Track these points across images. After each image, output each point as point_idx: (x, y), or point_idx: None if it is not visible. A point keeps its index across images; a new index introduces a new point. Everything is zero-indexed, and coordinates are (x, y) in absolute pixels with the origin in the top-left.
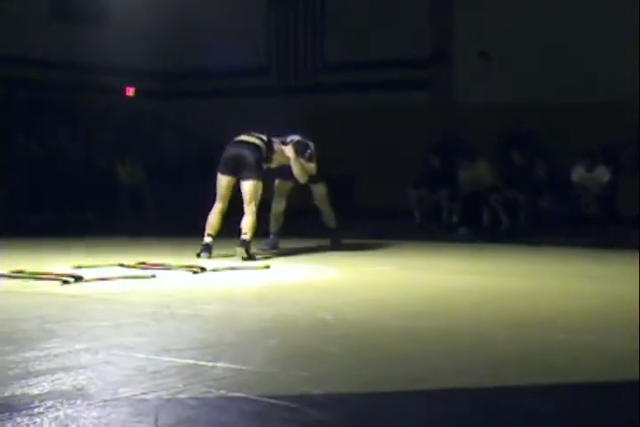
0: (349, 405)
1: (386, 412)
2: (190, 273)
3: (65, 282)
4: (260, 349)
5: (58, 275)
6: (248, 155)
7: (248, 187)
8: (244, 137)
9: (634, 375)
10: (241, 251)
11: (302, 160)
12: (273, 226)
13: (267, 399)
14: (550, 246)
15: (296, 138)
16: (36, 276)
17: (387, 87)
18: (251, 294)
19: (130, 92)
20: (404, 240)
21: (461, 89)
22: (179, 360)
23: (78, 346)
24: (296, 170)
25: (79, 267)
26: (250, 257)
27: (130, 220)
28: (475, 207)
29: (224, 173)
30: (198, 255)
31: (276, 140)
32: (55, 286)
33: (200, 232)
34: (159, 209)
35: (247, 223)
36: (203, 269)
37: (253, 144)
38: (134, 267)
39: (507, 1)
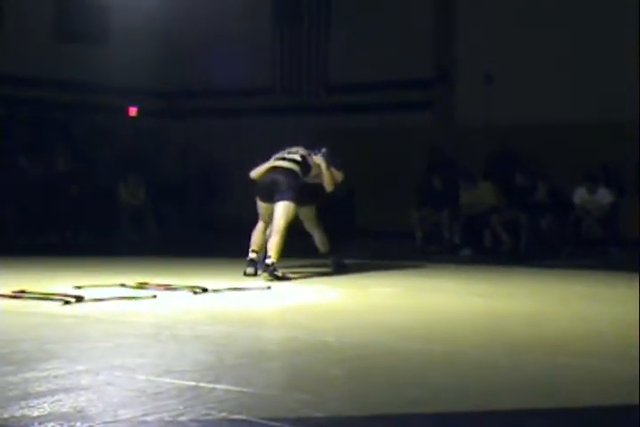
0: None
1: None
2: (192, 294)
3: (66, 302)
4: (262, 371)
5: (59, 295)
6: (282, 180)
7: (279, 207)
8: (278, 162)
9: (635, 400)
10: (265, 276)
11: (333, 169)
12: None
13: (268, 422)
14: (552, 268)
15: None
16: (36, 296)
17: (389, 108)
18: (252, 315)
19: (132, 111)
20: (406, 261)
21: (463, 110)
22: (180, 382)
23: (79, 367)
24: (326, 178)
25: (80, 287)
26: (279, 279)
27: (131, 239)
28: (476, 228)
29: (261, 199)
30: (245, 272)
31: (308, 153)
32: (56, 307)
33: (202, 252)
34: (161, 228)
35: (272, 244)
36: (204, 290)
37: (289, 169)
38: (135, 287)
39: (509, 23)
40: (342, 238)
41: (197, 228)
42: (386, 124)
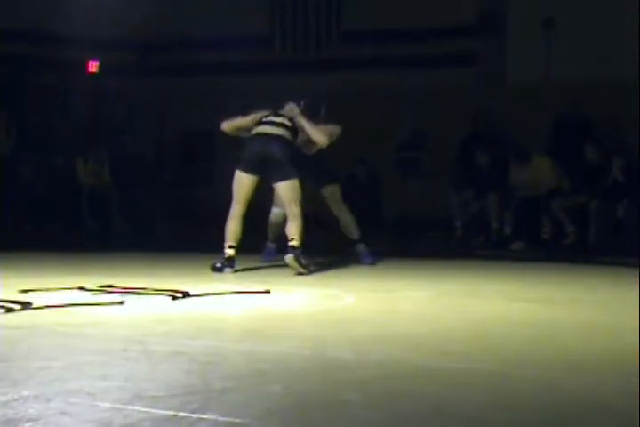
0: None
1: None
2: (169, 299)
3: (9, 310)
4: (258, 397)
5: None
6: (277, 151)
7: (284, 188)
8: (267, 128)
9: None
10: (291, 259)
11: (322, 126)
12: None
13: None
14: (630, 267)
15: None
16: None
17: (421, 63)
18: (246, 326)
19: (93, 67)
20: (442, 257)
21: (516, 64)
22: (154, 411)
23: (25, 392)
24: (313, 135)
25: (27, 291)
26: (302, 266)
27: (92, 230)
28: (532, 216)
29: (248, 171)
30: (219, 270)
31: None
32: None
33: (180, 246)
34: (129, 217)
35: (292, 228)
36: (185, 295)
37: (281, 137)
38: (98, 291)
39: None
40: (365, 228)
41: (174, 216)
42: (416, 83)
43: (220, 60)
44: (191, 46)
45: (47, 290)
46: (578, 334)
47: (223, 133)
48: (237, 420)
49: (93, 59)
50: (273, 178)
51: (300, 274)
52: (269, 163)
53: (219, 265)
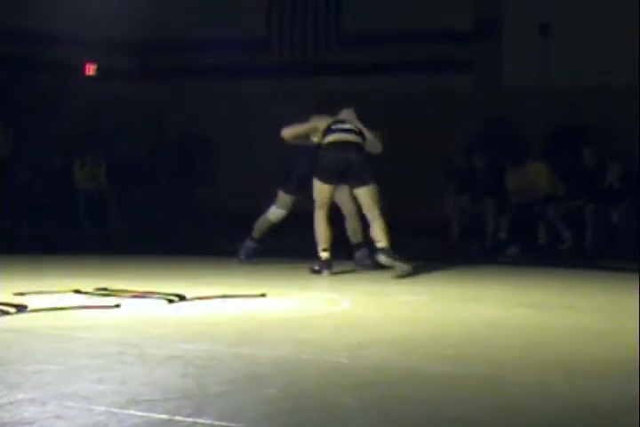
0: None
1: None
2: (165, 302)
3: (4, 313)
4: (254, 401)
5: None
6: (356, 159)
7: (366, 193)
8: (342, 135)
9: None
10: (385, 259)
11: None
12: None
13: None
14: (626, 272)
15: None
16: None
17: (417, 68)
18: (242, 330)
19: (90, 69)
20: (439, 262)
21: (513, 69)
22: (149, 415)
23: (21, 396)
24: (374, 140)
25: (23, 294)
26: (399, 260)
27: (89, 233)
28: (528, 221)
29: (329, 181)
30: (317, 272)
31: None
32: None
33: (178, 249)
34: (126, 219)
35: (378, 231)
36: (181, 298)
37: (356, 144)
38: (94, 294)
39: None
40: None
41: (172, 219)
42: (414, 87)
43: (217, 63)
44: (189, 49)
45: (43, 292)
46: (573, 340)
47: (221, 136)
48: (233, 424)
49: (91, 61)
50: (353, 184)
51: (404, 271)
52: (348, 170)
53: (317, 268)
